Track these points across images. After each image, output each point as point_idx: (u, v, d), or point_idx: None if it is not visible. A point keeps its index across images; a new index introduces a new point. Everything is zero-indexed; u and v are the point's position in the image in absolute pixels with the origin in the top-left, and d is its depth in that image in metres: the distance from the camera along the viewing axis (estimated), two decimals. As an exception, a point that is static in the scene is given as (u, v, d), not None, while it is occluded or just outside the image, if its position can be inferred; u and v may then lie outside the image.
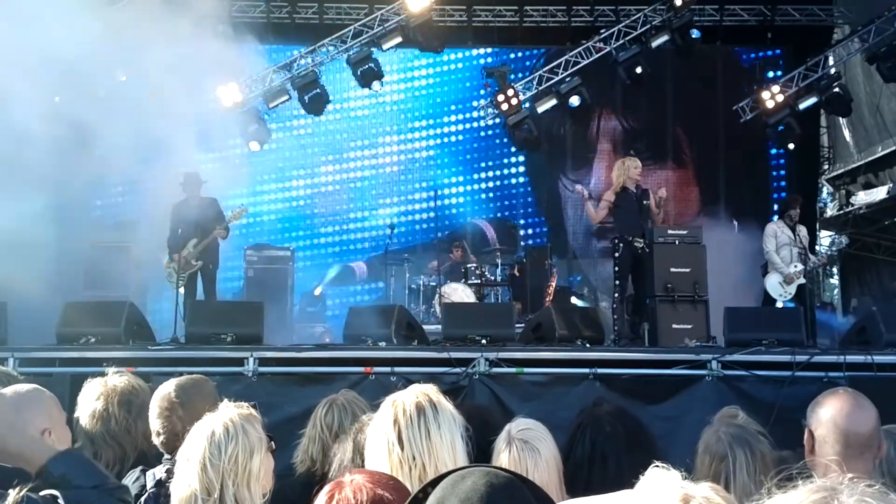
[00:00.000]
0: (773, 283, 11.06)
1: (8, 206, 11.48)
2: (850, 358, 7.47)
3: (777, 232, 11.15)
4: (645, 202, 10.51)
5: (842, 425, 2.91)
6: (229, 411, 2.86)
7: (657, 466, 2.46)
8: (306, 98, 14.92)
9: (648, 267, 10.30)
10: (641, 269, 10.42)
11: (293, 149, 17.08)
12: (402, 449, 2.59)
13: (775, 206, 15.64)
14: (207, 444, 2.74)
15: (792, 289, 10.91)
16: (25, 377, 3.79)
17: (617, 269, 10.54)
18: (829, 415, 2.96)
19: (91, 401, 3.60)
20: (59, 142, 12.23)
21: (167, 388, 3.56)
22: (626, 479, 2.46)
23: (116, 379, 3.73)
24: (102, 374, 3.79)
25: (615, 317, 10.71)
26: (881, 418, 3.79)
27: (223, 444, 2.74)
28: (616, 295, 10.66)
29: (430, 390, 2.78)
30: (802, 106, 15.74)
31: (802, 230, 11.21)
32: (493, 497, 1.57)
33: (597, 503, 2.34)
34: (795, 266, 10.90)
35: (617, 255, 10.53)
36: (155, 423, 3.48)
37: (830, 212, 17.65)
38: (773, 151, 17.12)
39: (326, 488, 2.13)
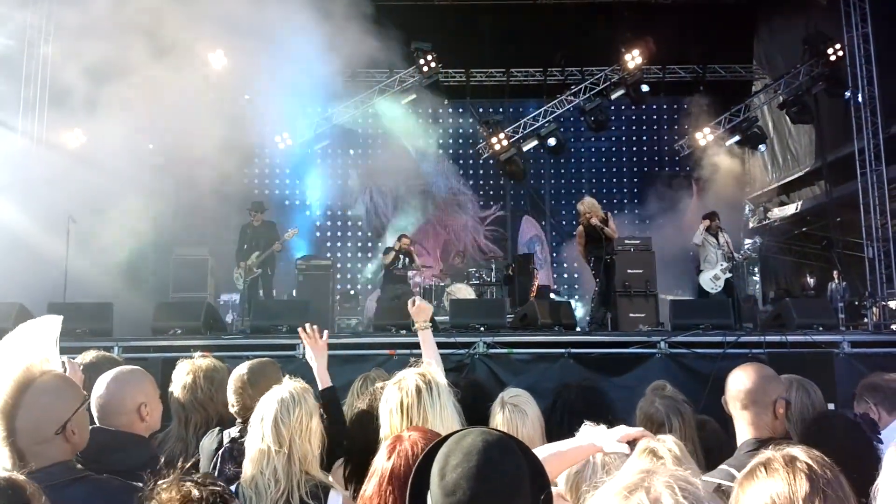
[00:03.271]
0: (704, 279, 10.99)
1: (111, 229, 11.56)
2: (769, 338, 7.43)
3: (704, 238, 11.08)
4: (606, 229, 10.42)
5: (730, 385, 3.05)
6: (292, 383, 2.90)
7: (587, 424, 2.55)
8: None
9: (612, 271, 10.26)
10: (607, 274, 10.36)
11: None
12: (406, 418, 2.63)
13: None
14: (279, 408, 2.78)
15: (720, 283, 10.84)
16: (126, 361, 3.80)
17: (593, 272, 10.45)
18: (727, 380, 3.09)
19: (183, 376, 3.65)
20: (153, 177, 12.35)
21: (241, 370, 3.58)
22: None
23: (201, 360, 3.78)
24: (190, 357, 3.82)
25: (592, 306, 10.68)
26: (795, 384, 3.77)
27: (291, 408, 2.78)
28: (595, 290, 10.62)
29: (426, 372, 2.78)
30: (728, 143, 15.75)
31: (726, 236, 11.13)
32: (488, 449, 1.60)
33: (563, 446, 2.37)
34: (721, 264, 10.83)
35: (591, 265, 10.43)
36: (231, 398, 3.50)
37: (752, 224, 17.61)
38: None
39: (388, 442, 2.15)
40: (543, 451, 2.26)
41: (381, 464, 2.08)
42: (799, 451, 1.62)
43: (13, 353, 2.24)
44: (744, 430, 2.96)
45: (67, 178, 11.64)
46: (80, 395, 2.38)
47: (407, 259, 12.01)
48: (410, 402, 2.64)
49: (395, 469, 2.04)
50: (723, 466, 2.78)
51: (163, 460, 2.70)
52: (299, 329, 3.82)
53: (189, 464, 1.86)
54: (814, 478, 1.56)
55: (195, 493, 1.70)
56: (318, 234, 17.37)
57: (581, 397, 3.78)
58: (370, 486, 2.07)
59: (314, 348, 3.78)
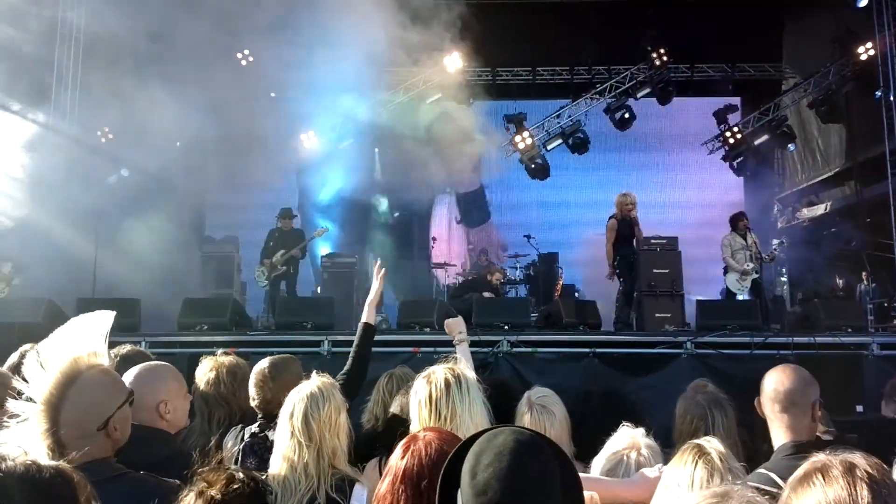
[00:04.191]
0: (731, 280, 10.87)
1: (139, 226, 11.67)
2: (797, 339, 7.37)
3: (731, 241, 10.92)
4: (635, 227, 10.29)
5: (768, 386, 2.97)
6: (320, 379, 2.92)
7: (625, 425, 2.53)
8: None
9: (637, 271, 10.19)
10: (633, 273, 10.27)
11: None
12: (435, 411, 2.63)
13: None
14: (308, 403, 2.79)
15: (748, 283, 10.72)
16: (153, 356, 3.83)
17: (618, 271, 10.33)
18: (764, 381, 3.02)
19: (206, 372, 3.67)
20: (181, 175, 12.46)
21: (263, 365, 3.60)
22: (609, 428, 2.56)
23: (224, 357, 3.80)
24: (213, 354, 3.84)
25: (617, 306, 10.57)
26: (823, 386, 3.71)
27: (320, 403, 2.79)
28: (620, 290, 10.48)
29: (456, 366, 2.78)
30: (757, 142, 15.57)
31: (753, 236, 10.99)
32: (520, 449, 1.58)
33: (612, 485, 2.36)
34: (748, 265, 10.71)
35: (615, 263, 10.36)
36: (252, 391, 3.52)
37: (780, 224, 17.40)
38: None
39: (403, 441, 2.13)
40: (590, 480, 2.29)
41: (395, 462, 2.07)
42: (859, 458, 1.55)
43: (63, 345, 2.24)
44: (780, 433, 2.89)
45: (96, 174, 11.79)
46: (124, 390, 2.39)
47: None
48: (439, 396, 2.63)
49: (407, 469, 2.03)
50: (760, 470, 2.72)
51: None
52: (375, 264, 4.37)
53: (221, 456, 1.91)
54: (875, 488, 1.48)
55: (238, 475, 1.73)
56: (342, 231, 17.37)
57: (605, 398, 3.76)
58: (384, 485, 2.06)
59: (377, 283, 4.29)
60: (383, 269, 4.31)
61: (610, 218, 10.62)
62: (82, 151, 12.19)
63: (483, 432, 1.67)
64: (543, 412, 3.13)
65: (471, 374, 2.78)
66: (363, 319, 4.16)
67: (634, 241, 10.54)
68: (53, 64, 12.35)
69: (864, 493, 1.48)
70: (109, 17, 11.11)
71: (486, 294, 12.08)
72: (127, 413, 2.37)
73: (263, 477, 2.75)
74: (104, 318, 2.35)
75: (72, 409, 2.17)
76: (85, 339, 2.29)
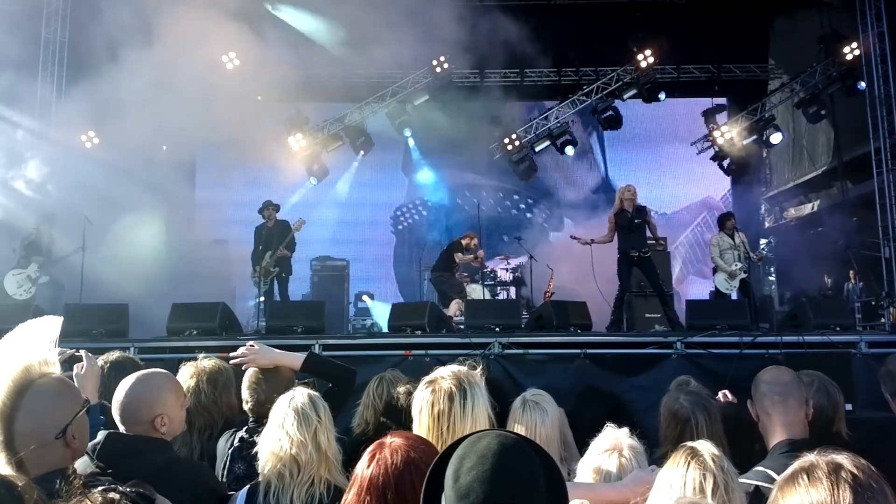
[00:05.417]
0: (720, 280, 10.91)
1: (126, 230, 11.62)
2: (786, 338, 7.39)
3: (719, 241, 10.94)
4: (637, 220, 9.91)
5: (764, 380, 3.07)
6: (306, 389, 2.95)
7: (609, 426, 2.54)
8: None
9: (644, 269, 9.84)
10: (639, 272, 9.97)
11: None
12: (438, 421, 2.54)
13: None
14: (296, 411, 2.80)
15: (736, 283, 10.74)
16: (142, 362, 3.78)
17: (619, 273, 10.03)
18: (757, 378, 3.11)
19: (185, 379, 3.56)
20: (166, 180, 12.40)
21: (255, 368, 3.55)
22: (600, 429, 2.58)
23: (205, 362, 3.70)
24: (194, 359, 3.77)
25: (614, 308, 10.22)
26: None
27: (317, 404, 2.84)
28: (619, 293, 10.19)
29: (464, 374, 2.66)
30: (745, 142, 15.63)
31: (742, 236, 11.00)
32: (504, 453, 1.56)
33: (603, 489, 2.36)
34: (736, 264, 10.73)
35: (617, 261, 10.02)
36: (245, 394, 3.47)
37: (768, 223, 17.48)
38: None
39: (371, 447, 2.09)
40: (580, 486, 2.28)
41: (361, 472, 2.02)
42: (844, 460, 1.54)
43: (11, 354, 2.16)
44: (777, 431, 2.93)
45: (82, 179, 11.72)
46: (80, 398, 2.30)
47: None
48: (442, 407, 2.53)
49: (373, 478, 1.98)
50: (759, 468, 2.74)
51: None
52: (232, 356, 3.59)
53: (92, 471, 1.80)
54: (859, 490, 1.47)
55: (99, 499, 1.62)
56: (334, 234, 17.34)
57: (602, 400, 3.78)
58: (350, 494, 2.01)
59: (256, 361, 3.51)
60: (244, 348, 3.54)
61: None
62: (68, 156, 12.12)
63: (468, 435, 1.65)
64: (536, 409, 3.16)
65: (478, 380, 2.64)
66: (298, 364, 3.62)
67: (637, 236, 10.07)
68: (38, 68, 12.30)
69: (846, 494, 1.47)
70: (96, 22, 11.07)
71: (459, 255, 11.85)
72: (84, 421, 2.29)
73: (249, 484, 2.75)
74: (51, 325, 2.27)
75: (26, 418, 2.10)
76: (33, 347, 2.20)
